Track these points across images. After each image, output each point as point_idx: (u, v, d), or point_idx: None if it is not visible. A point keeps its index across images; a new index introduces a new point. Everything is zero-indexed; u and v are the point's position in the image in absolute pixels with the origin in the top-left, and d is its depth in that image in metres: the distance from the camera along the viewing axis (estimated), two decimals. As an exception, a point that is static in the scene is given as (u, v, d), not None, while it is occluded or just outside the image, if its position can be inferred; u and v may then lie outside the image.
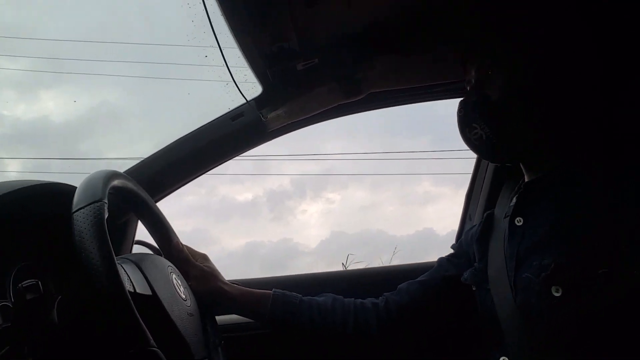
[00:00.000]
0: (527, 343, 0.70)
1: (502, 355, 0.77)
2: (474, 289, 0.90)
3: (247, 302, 0.95)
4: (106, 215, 0.57)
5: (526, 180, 0.83)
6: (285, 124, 1.11)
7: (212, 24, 0.84)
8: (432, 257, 1.10)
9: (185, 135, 1.10)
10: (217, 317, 0.93)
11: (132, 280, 0.63)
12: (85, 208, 0.56)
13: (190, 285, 0.86)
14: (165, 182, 1.10)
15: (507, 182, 0.99)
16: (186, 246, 0.95)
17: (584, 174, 0.72)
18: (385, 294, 1.01)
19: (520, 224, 0.78)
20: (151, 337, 0.54)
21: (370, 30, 0.94)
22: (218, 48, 0.91)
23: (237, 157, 1.18)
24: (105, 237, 0.54)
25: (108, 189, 0.63)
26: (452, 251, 1.04)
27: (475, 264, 0.91)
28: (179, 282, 0.78)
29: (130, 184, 0.78)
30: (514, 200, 0.85)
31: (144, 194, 0.83)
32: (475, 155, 1.29)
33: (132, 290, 0.61)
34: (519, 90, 0.75)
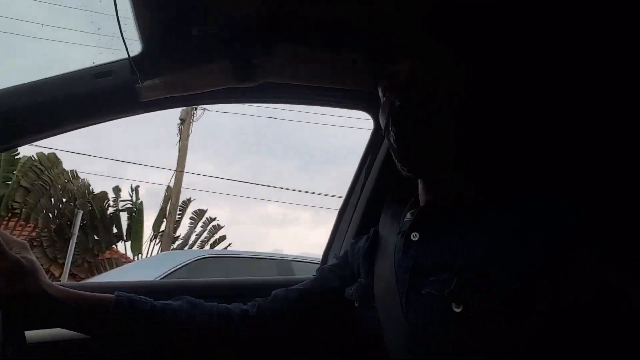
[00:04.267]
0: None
1: None
2: (356, 305, 0.85)
3: (79, 310, 0.74)
4: None
5: (423, 195, 0.82)
6: (162, 96, 0.95)
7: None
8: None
9: (31, 82, 0.86)
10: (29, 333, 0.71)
11: None
12: None
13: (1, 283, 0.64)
14: None
15: (388, 201, 0.99)
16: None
17: (488, 197, 0.72)
18: (257, 299, 0.90)
19: (416, 239, 0.75)
20: None
21: (281, 14, 0.87)
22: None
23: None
24: None
25: None
26: (334, 261, 0.98)
27: (360, 279, 0.87)
28: None
29: None
30: (409, 216, 0.83)
31: None
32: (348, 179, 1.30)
33: None
34: (434, 104, 0.73)
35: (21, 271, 0.68)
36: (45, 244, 7.95)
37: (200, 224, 10.13)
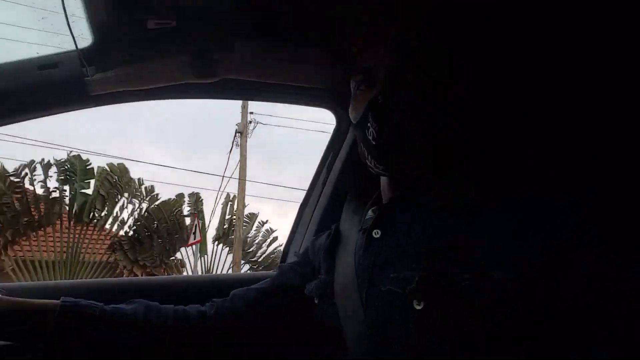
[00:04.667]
0: (375, 358, 0.67)
1: None
2: (316, 301, 0.85)
3: (20, 317, 0.71)
4: None
5: (386, 193, 0.82)
6: (113, 90, 0.89)
7: None
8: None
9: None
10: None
11: None
12: None
13: None
14: None
15: (349, 197, 0.98)
16: None
17: (450, 190, 0.73)
18: (214, 300, 0.89)
19: (378, 236, 0.76)
20: None
21: (241, 8, 0.83)
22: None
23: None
24: None
25: None
26: (294, 259, 0.98)
27: (320, 275, 0.87)
28: None
29: None
30: (370, 213, 0.83)
31: None
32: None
33: None
34: (411, 96, 0.72)
35: None
36: (125, 247, 8.36)
37: (255, 227, 10.61)
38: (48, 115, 0.89)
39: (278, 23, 0.88)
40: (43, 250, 7.86)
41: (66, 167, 7.99)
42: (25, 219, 7.51)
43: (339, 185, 1.17)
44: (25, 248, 7.79)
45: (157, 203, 8.98)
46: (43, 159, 7.81)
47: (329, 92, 1.08)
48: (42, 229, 7.82)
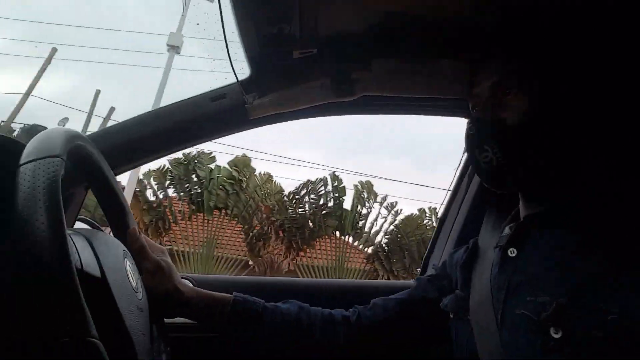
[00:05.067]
0: None
1: None
2: (451, 316, 0.85)
3: (204, 306, 0.86)
4: (62, 175, 0.48)
5: (522, 210, 0.79)
6: (268, 114, 1.03)
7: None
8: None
9: (158, 109, 1.00)
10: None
11: (80, 256, 0.53)
12: (38, 161, 0.46)
13: (144, 279, 0.77)
14: (129, 156, 0.98)
15: (490, 210, 0.96)
16: (143, 236, 0.84)
17: (588, 210, 0.68)
18: (357, 307, 0.95)
19: (514, 255, 0.73)
20: (94, 326, 0.45)
21: (375, 29, 0.89)
22: (220, 21, 0.84)
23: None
24: (57, 199, 0.44)
25: (69, 147, 0.53)
26: (433, 272, 0.99)
27: (457, 290, 0.87)
28: (132, 270, 0.68)
29: (93, 150, 0.68)
30: (507, 230, 0.81)
31: (106, 166, 0.73)
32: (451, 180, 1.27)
33: (79, 267, 0.51)
34: (536, 116, 0.71)
35: (161, 271, 0.82)
36: (382, 258, 9.32)
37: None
38: (210, 140, 1.07)
39: (411, 39, 0.91)
40: (319, 258, 9.66)
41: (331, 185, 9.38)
42: (306, 230, 9.16)
43: (478, 197, 1.13)
44: (307, 254, 9.51)
45: (401, 217, 9.65)
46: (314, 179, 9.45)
47: (465, 101, 1.06)
48: (317, 239, 9.39)
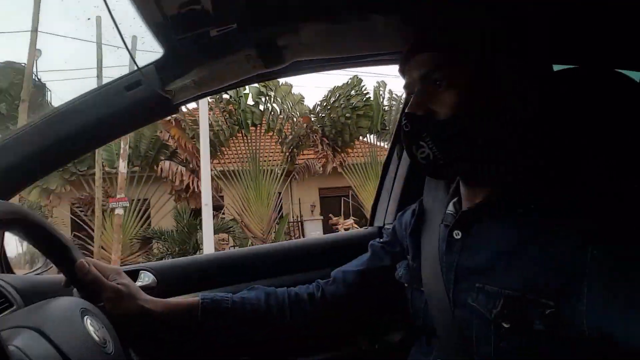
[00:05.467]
0: (464, 355, 0.69)
1: (438, 355, 0.77)
2: (406, 285, 0.89)
3: (174, 317, 0.85)
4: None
5: (464, 192, 0.79)
6: (195, 95, 0.94)
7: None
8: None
9: (63, 108, 0.87)
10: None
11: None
12: None
13: (104, 307, 0.75)
14: (28, 174, 0.86)
15: None
16: (93, 262, 0.79)
17: (533, 201, 0.68)
18: (319, 281, 0.98)
19: (459, 237, 0.74)
20: None
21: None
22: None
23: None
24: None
25: None
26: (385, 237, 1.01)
27: (409, 258, 0.89)
28: (96, 324, 0.65)
29: (12, 208, 0.60)
30: (451, 207, 0.82)
31: (32, 213, 0.65)
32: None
33: None
34: (470, 110, 0.68)
35: (121, 295, 0.79)
36: None
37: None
38: (141, 127, 0.96)
39: (336, 2, 0.82)
40: (359, 156, 10.68)
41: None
42: (345, 134, 9.95)
43: None
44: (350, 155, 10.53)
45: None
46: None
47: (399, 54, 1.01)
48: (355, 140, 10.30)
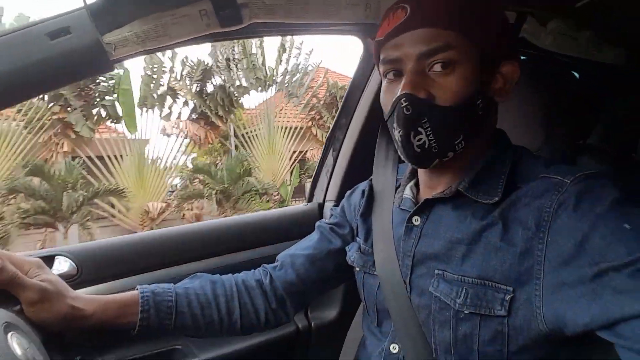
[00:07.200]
0: (421, 339, 0.70)
1: (392, 342, 0.76)
2: (357, 269, 0.87)
3: (110, 316, 0.74)
4: None
5: (424, 179, 0.79)
6: (137, 51, 0.81)
7: None
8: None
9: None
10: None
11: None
12: None
13: (21, 311, 0.62)
14: None
15: (379, 151, 0.92)
16: (7, 256, 0.64)
17: (494, 191, 0.68)
18: (265, 266, 0.92)
19: (418, 223, 0.74)
20: None
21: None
22: None
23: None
24: None
25: None
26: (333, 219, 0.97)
27: (359, 240, 0.88)
28: (19, 339, 0.53)
29: None
30: (408, 191, 0.81)
31: None
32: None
33: None
34: (472, 99, 0.66)
35: (47, 295, 0.65)
36: None
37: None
38: (68, 84, 0.81)
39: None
40: None
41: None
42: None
43: (367, 129, 1.12)
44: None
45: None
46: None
47: (359, 25, 0.99)
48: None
